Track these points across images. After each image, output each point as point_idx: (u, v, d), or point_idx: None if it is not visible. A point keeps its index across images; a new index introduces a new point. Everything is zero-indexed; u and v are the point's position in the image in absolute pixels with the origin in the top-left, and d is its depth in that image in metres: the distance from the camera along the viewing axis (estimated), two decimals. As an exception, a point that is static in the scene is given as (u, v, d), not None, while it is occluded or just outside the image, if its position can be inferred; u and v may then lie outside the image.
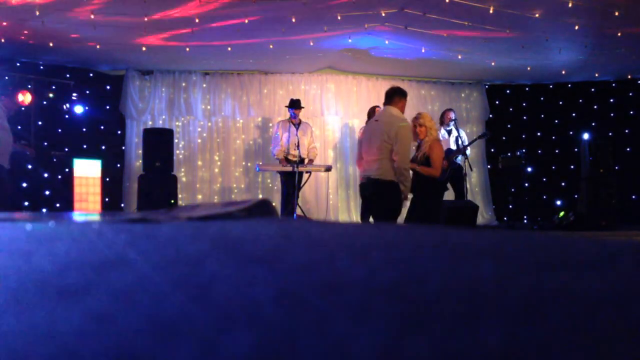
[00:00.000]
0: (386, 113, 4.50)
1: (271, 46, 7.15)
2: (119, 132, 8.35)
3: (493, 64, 8.10)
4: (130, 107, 8.24)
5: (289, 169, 6.94)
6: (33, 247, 0.67)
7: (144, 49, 6.85)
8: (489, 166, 9.29)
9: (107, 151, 8.14)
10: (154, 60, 7.83)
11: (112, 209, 7.94)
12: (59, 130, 7.58)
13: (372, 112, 6.44)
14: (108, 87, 8.29)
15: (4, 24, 6.04)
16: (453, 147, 6.95)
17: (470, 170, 7.17)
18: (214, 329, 0.28)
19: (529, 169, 8.93)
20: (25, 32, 6.34)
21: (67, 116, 7.50)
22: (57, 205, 7.24)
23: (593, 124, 9.17)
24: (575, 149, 8.74)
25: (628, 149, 9.08)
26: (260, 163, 7.82)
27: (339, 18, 6.06)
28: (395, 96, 4.49)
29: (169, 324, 0.30)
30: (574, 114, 9.44)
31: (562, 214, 7.60)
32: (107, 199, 7.92)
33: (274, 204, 1.20)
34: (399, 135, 4.23)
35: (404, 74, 9.02)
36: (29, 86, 6.98)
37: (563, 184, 9.33)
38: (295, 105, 7.20)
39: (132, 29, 6.26)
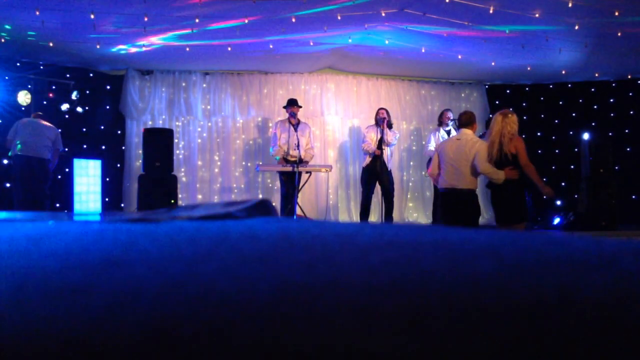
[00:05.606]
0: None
1: (271, 46, 7.16)
2: (119, 132, 8.36)
3: (493, 64, 8.10)
4: (130, 107, 8.25)
5: (288, 169, 6.93)
6: (33, 246, 0.67)
7: (144, 48, 6.85)
8: (489, 166, 9.29)
9: (107, 151, 8.14)
10: (154, 60, 7.84)
11: (112, 209, 7.94)
12: (59, 130, 7.58)
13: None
14: (108, 87, 8.30)
15: (4, 24, 6.04)
16: None
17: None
18: (214, 330, 0.28)
19: (529, 169, 8.92)
20: (25, 32, 6.34)
21: (67, 116, 7.50)
22: (57, 205, 7.24)
23: (593, 124, 9.16)
24: (575, 149, 8.73)
25: (628, 149, 9.08)
26: (260, 163, 7.82)
27: (339, 18, 6.06)
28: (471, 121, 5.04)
29: (168, 324, 0.30)
30: (574, 114, 9.44)
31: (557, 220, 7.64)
32: (107, 199, 7.92)
33: (274, 204, 1.20)
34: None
35: (404, 74, 9.02)
36: (29, 86, 6.98)
37: (563, 184, 9.32)
38: (292, 103, 7.16)
39: (132, 29, 6.26)
